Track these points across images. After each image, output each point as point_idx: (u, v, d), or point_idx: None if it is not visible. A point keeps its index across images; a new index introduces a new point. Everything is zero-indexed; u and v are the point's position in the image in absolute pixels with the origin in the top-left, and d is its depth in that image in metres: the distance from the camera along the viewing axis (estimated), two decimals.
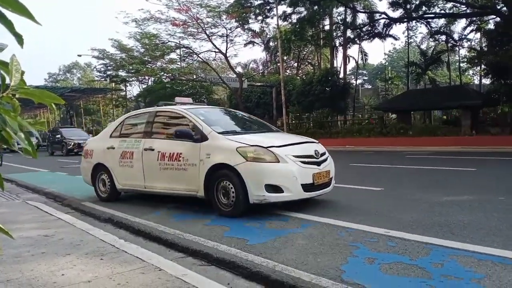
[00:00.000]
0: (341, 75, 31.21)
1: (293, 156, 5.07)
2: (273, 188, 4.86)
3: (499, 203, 5.37)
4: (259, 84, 33.91)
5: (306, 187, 5.03)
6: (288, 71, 40.84)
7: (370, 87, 60.11)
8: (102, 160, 6.66)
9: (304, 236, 4.08)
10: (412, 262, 3.18)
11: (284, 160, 4.95)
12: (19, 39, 1.04)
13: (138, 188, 6.24)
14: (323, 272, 3.02)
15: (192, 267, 3.31)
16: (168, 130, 6.08)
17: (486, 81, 28.00)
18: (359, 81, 52.94)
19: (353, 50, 78.74)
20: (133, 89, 46.10)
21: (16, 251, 3.73)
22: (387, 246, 3.63)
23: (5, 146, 1.21)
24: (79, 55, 38.81)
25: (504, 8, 20.44)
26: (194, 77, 35.74)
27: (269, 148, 5.02)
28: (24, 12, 1.00)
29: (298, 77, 34.95)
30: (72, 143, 23.57)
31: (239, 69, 41.97)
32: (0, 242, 1.02)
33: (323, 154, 5.59)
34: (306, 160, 5.19)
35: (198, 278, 3.00)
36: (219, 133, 5.38)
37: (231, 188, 4.98)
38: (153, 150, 5.83)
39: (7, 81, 1.13)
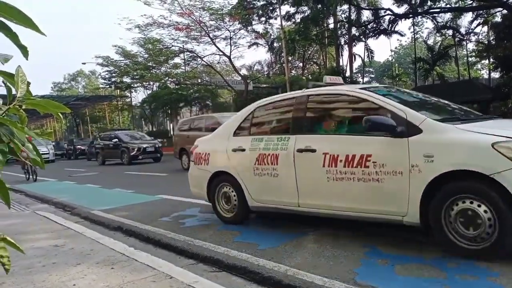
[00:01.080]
0: (348, 74, 31.10)
1: None
2: None
3: None
4: (265, 85, 33.97)
5: None
6: (293, 71, 40.84)
7: (377, 84, 59.77)
8: (226, 167, 4.96)
9: (315, 239, 4.03)
10: (427, 262, 3.13)
11: None
12: (24, 51, 1.06)
13: (285, 206, 4.39)
14: (336, 276, 2.97)
15: (203, 274, 3.28)
16: (336, 120, 4.28)
17: (496, 75, 27.76)
18: (366, 79, 52.76)
19: (359, 48, 78.54)
20: (138, 95, 46.43)
21: (28, 262, 3.73)
22: (401, 246, 3.58)
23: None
24: (84, 63, 39.19)
25: (511, 0, 20.22)
26: (199, 81, 35.88)
27: None
28: (28, 23, 1.01)
29: (304, 77, 34.91)
30: (136, 149, 19.48)
31: (243, 71, 42.11)
32: (7, 253, 1.03)
33: None
34: None
35: (209, 285, 2.97)
36: (438, 121, 3.50)
37: (486, 214, 3.04)
38: (314, 151, 4.01)
39: (13, 92, 1.14)
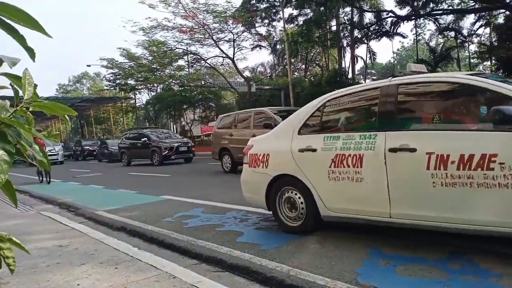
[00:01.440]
0: (350, 76, 31.13)
1: None
2: None
3: None
4: (268, 87, 34.04)
5: None
6: (296, 73, 40.86)
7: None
8: (291, 170, 4.29)
9: (318, 240, 4.04)
10: (429, 263, 3.13)
11: None
12: (31, 53, 1.06)
13: (371, 217, 3.70)
14: (338, 276, 2.99)
15: (206, 274, 3.30)
16: (441, 113, 3.56)
17: None
18: (368, 81, 52.73)
19: (361, 50, 78.52)
20: (142, 97, 46.46)
21: (32, 262, 3.76)
22: (403, 247, 3.59)
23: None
24: (88, 65, 39.03)
25: None
26: (203, 83, 35.96)
27: None
28: (35, 26, 1.02)
29: (306, 79, 34.95)
30: (168, 148, 18.05)
31: (246, 73, 42.19)
32: (13, 253, 1.05)
33: None
34: None
35: (212, 285, 2.99)
36: None
37: None
38: (413, 150, 3.34)
39: (20, 94, 1.15)
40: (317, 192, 4.05)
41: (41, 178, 13.04)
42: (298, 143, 4.27)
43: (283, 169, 4.40)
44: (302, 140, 4.27)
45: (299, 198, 4.26)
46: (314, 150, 4.09)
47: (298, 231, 4.28)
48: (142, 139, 19.01)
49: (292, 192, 4.35)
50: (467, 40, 30.97)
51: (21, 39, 1.03)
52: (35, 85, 1.18)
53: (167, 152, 17.93)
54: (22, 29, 1.02)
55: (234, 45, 28.78)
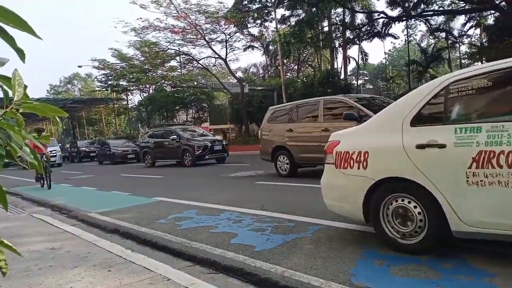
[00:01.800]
0: (342, 76, 31.33)
1: None
2: None
3: None
4: (260, 88, 34.10)
5: None
6: (288, 74, 40.96)
7: (371, 87, 60.25)
8: (404, 172, 3.35)
9: (312, 241, 4.04)
10: (422, 263, 3.14)
11: None
12: (21, 54, 1.05)
13: None
14: (332, 277, 2.99)
15: (200, 276, 3.28)
16: None
17: None
18: (360, 82, 53.07)
19: (353, 51, 78.79)
20: (135, 98, 46.31)
21: (24, 265, 3.72)
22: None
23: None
24: (80, 66, 38.94)
25: (503, 3, 20.46)
26: (195, 83, 35.92)
27: None
28: (25, 27, 1.01)
29: (299, 80, 35.07)
30: (202, 147, 16.40)
31: (239, 74, 42.29)
32: (4, 256, 1.04)
33: None
34: None
35: (206, 287, 2.98)
36: None
37: None
38: None
39: (10, 95, 1.14)
40: (447, 200, 3.11)
41: (42, 182, 12.19)
42: (414, 137, 3.34)
43: (392, 170, 3.47)
44: (420, 133, 3.33)
45: (416, 207, 3.36)
46: (442, 146, 3.15)
47: (414, 250, 3.38)
48: (171, 137, 17.29)
49: (404, 200, 3.44)
50: (458, 41, 31.34)
51: (10, 40, 1.02)
52: (25, 86, 1.16)
53: (200, 151, 16.31)
54: (18, 31, 1.01)
55: (226, 45, 28.83)
